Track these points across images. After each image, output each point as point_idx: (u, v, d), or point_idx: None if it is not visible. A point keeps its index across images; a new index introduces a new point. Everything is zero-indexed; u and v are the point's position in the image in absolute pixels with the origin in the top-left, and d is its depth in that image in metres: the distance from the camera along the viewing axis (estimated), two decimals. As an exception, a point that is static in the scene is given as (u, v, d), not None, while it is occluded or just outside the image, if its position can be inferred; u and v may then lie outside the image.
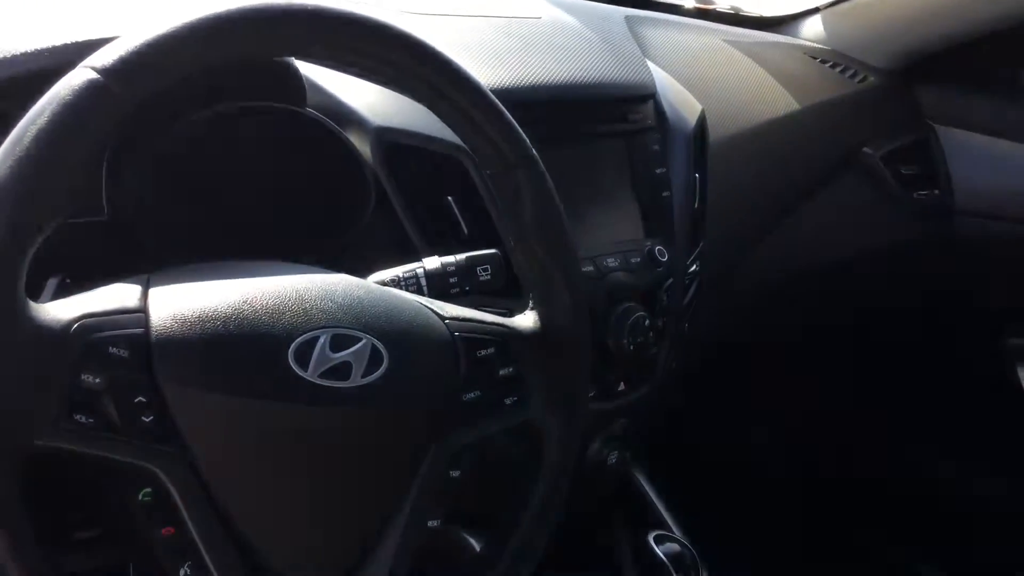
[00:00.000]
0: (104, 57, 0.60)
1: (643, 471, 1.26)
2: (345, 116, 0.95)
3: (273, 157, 0.94)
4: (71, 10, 0.91)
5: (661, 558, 1.10)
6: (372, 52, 0.68)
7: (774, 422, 1.94)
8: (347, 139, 0.92)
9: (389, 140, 0.95)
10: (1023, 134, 1.49)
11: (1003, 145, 1.51)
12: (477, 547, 1.11)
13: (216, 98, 0.86)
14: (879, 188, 1.51)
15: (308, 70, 0.94)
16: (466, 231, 0.97)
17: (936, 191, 1.55)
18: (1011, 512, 1.66)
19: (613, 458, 1.13)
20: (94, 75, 0.59)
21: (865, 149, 1.51)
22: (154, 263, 0.78)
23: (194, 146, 0.88)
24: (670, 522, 1.21)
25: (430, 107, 0.73)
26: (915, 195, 1.53)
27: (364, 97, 0.96)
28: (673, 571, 1.09)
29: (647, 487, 1.24)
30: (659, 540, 1.12)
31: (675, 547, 1.12)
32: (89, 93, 0.59)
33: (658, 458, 1.29)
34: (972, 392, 1.73)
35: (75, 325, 0.60)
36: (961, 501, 1.74)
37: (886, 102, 1.57)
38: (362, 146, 0.94)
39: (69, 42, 0.79)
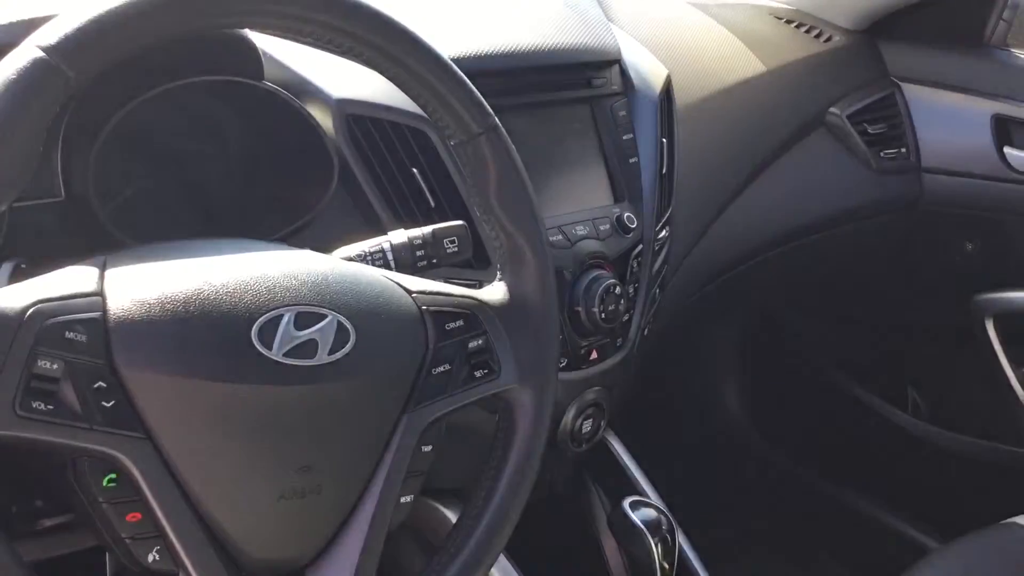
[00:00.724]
0: (49, 35, 0.59)
1: (618, 438, 1.26)
2: (305, 89, 0.94)
3: (232, 132, 0.93)
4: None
5: (637, 524, 1.11)
6: (328, 23, 0.67)
7: (747, 386, 1.95)
8: (307, 112, 0.91)
9: (351, 112, 0.93)
10: (988, 90, 1.50)
11: (968, 101, 1.51)
12: (452, 519, 1.11)
13: (171, 73, 0.84)
14: (846, 148, 1.51)
15: (265, 43, 0.92)
16: (432, 203, 0.96)
17: (903, 149, 1.55)
18: (988, 465, 1.68)
19: (587, 426, 1.13)
20: (40, 54, 0.58)
21: (832, 109, 1.51)
22: (112, 244, 0.77)
23: (151, 124, 0.87)
24: (646, 488, 1.22)
25: (390, 78, 0.73)
26: (882, 154, 1.53)
27: (324, 69, 0.95)
28: (650, 536, 1.10)
29: (622, 454, 1.25)
30: (635, 506, 1.13)
31: (651, 512, 1.12)
32: (35, 73, 0.58)
33: (633, 424, 1.30)
34: (945, 348, 1.75)
35: (30, 310, 0.59)
36: (935, 456, 1.76)
37: (852, 61, 1.57)
38: (323, 119, 0.93)
39: (15, 20, 0.77)
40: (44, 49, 0.58)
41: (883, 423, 1.83)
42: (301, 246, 0.75)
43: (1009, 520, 1.18)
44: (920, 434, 1.78)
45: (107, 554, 0.83)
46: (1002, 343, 1.57)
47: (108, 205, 0.84)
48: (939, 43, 1.56)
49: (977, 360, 1.61)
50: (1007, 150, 1.46)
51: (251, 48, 0.90)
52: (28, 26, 0.63)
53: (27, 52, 0.58)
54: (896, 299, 1.77)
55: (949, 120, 1.54)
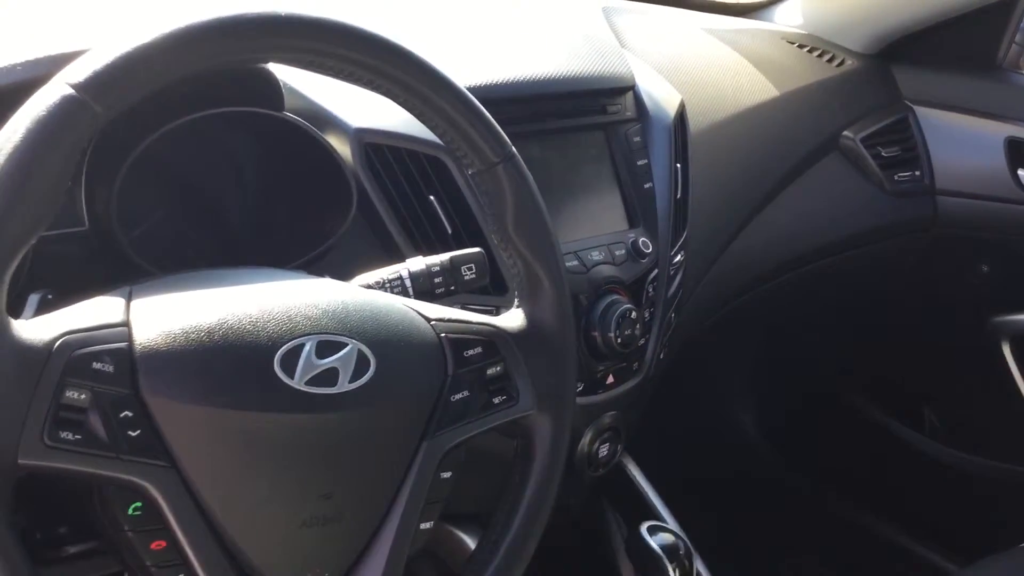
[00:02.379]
0: (79, 72, 0.60)
1: (634, 462, 1.26)
2: (323, 119, 0.95)
3: (252, 162, 0.94)
4: (42, 22, 0.91)
5: (655, 549, 1.11)
6: (347, 56, 0.68)
7: (763, 408, 1.94)
8: (326, 141, 0.92)
9: (368, 141, 0.94)
10: (1001, 112, 1.50)
11: (982, 124, 1.52)
12: (470, 544, 1.11)
13: (194, 105, 0.85)
14: (860, 171, 1.52)
15: (285, 74, 0.93)
16: (450, 230, 0.97)
17: (917, 172, 1.55)
18: (1006, 487, 1.67)
19: (604, 450, 1.13)
20: (69, 90, 0.59)
21: (845, 133, 1.51)
22: (136, 274, 0.78)
23: (173, 154, 0.88)
24: (663, 512, 1.22)
25: (408, 109, 0.73)
26: (896, 177, 1.54)
27: (342, 99, 0.96)
28: (667, 561, 1.10)
29: (639, 478, 1.25)
30: (652, 531, 1.12)
31: (668, 537, 1.12)
32: (64, 108, 0.59)
33: (648, 446, 1.30)
34: (961, 369, 1.74)
35: (58, 342, 0.60)
36: (953, 479, 1.75)
37: (865, 85, 1.57)
38: (342, 148, 0.94)
39: (42, 56, 0.78)
40: (73, 86, 0.59)
41: (900, 445, 1.82)
42: (320, 274, 0.76)
43: (1028, 544, 1.18)
44: (937, 456, 1.77)
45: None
46: (1019, 365, 1.57)
47: (131, 234, 0.85)
48: (952, 66, 1.56)
49: (994, 381, 1.60)
50: (1021, 172, 1.47)
51: (271, 79, 0.91)
52: (57, 61, 0.64)
53: (57, 89, 0.59)
54: (912, 321, 1.77)
55: (963, 143, 1.54)
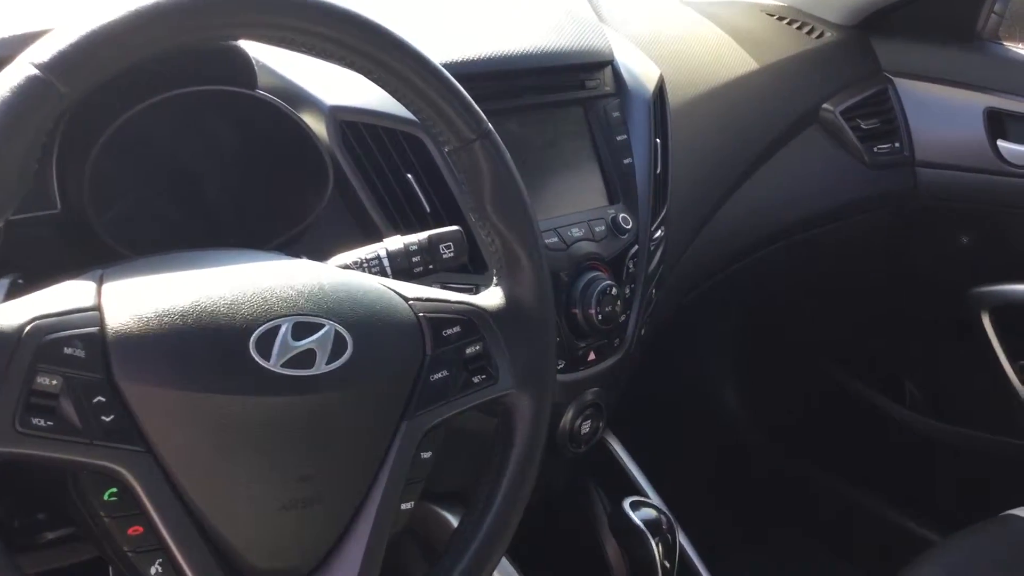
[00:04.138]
0: (43, 51, 0.59)
1: (617, 438, 1.26)
2: (298, 96, 0.94)
3: (226, 141, 0.92)
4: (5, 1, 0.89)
5: (638, 524, 1.11)
6: (319, 33, 0.67)
7: (745, 382, 1.95)
8: (301, 120, 0.91)
9: (344, 119, 0.93)
10: (981, 83, 1.50)
11: (961, 95, 1.52)
12: (453, 523, 1.11)
13: (165, 83, 0.84)
14: (840, 144, 1.52)
15: (258, 51, 0.92)
16: (428, 208, 0.96)
17: (897, 144, 1.55)
18: (986, 458, 1.68)
19: (586, 427, 1.13)
20: (34, 71, 0.58)
21: (825, 106, 1.51)
22: (109, 256, 0.77)
23: (147, 134, 0.87)
24: (646, 487, 1.22)
25: (382, 86, 0.73)
26: (876, 149, 1.54)
27: (317, 76, 0.95)
28: (650, 536, 1.10)
29: (621, 454, 1.25)
30: (635, 506, 1.13)
31: (651, 512, 1.13)
32: (29, 90, 0.58)
33: (631, 423, 1.30)
34: (942, 341, 1.75)
35: (28, 327, 0.59)
36: (934, 450, 1.76)
37: (844, 57, 1.57)
38: (317, 126, 0.93)
39: (6, 35, 0.77)
40: (37, 66, 0.58)
41: (881, 417, 1.83)
42: (297, 254, 0.75)
43: (1008, 512, 1.18)
44: (918, 427, 1.78)
45: (109, 567, 0.83)
46: (998, 336, 1.58)
47: (104, 216, 0.84)
48: (931, 37, 1.56)
49: (974, 353, 1.61)
50: (1000, 143, 1.47)
51: (243, 57, 0.90)
52: (23, 41, 0.63)
53: (21, 69, 0.58)
54: (892, 293, 1.78)
55: (942, 114, 1.54)
